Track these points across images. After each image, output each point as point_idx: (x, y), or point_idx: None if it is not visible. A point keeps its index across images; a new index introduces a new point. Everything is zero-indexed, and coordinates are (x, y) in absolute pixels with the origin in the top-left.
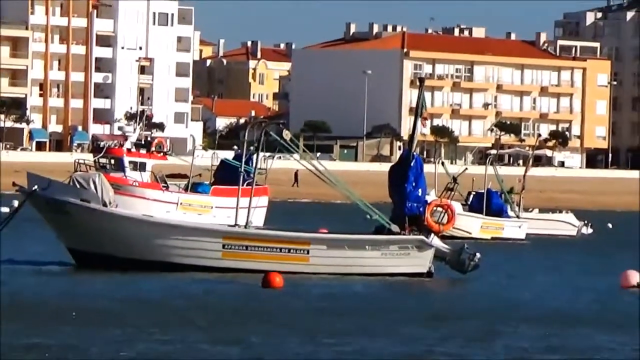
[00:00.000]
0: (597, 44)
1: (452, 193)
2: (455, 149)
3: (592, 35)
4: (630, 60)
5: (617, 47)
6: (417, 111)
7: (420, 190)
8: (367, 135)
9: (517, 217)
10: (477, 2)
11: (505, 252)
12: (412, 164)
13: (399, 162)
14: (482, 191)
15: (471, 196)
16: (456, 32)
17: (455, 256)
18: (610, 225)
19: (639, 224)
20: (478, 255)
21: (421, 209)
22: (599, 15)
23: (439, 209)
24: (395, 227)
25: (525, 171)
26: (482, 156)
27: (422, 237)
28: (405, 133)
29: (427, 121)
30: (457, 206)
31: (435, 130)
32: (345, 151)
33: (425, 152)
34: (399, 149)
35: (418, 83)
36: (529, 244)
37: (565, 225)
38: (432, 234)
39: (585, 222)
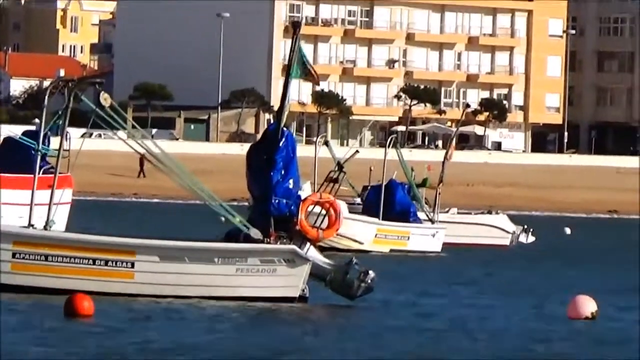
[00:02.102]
0: None
1: (337, 186)
2: (348, 123)
3: None
4: None
5: None
6: (290, 70)
7: (291, 181)
8: (222, 105)
9: (431, 221)
10: None
11: (407, 268)
12: (281, 144)
13: (261, 141)
14: (381, 184)
15: (367, 192)
16: None
17: (340, 275)
18: (568, 231)
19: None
20: (371, 274)
21: (293, 208)
22: None
23: (318, 207)
24: (255, 232)
25: (446, 156)
26: (385, 134)
27: (294, 246)
28: (276, 101)
29: (317, 79)
30: (342, 206)
31: (319, 97)
32: (193, 127)
33: (305, 129)
34: (268, 123)
35: (292, 30)
36: (447, 258)
37: (494, 230)
38: (308, 243)
39: (525, 227)
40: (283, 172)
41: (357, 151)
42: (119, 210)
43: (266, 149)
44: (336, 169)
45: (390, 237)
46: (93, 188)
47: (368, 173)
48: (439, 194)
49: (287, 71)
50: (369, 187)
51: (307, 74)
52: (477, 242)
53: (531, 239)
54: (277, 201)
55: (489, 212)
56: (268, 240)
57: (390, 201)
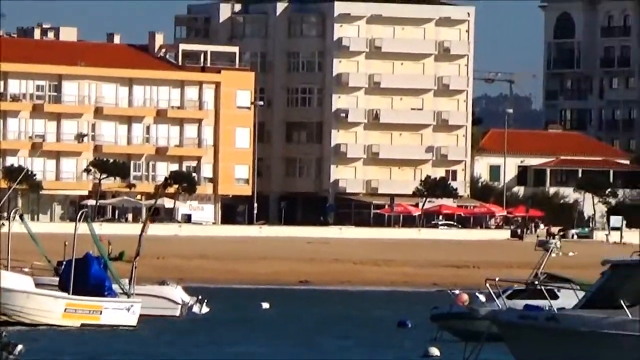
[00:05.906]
0: (235, 49)
1: None
2: (38, 198)
3: (227, 36)
4: (282, 70)
5: (263, 53)
6: None
7: None
8: None
9: (127, 294)
10: None
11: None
12: None
13: None
14: (77, 259)
15: (63, 267)
16: (36, 33)
17: None
18: (265, 305)
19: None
20: (20, 347)
21: None
22: (238, 8)
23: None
24: None
25: (143, 229)
26: (76, 209)
27: None
28: None
29: None
30: (28, 280)
31: (8, 172)
32: None
33: None
34: None
35: None
36: (141, 330)
37: (163, 301)
38: None
39: (199, 297)
40: None
41: (2, 224)
42: None
43: None
44: None
45: (81, 311)
46: None
47: (63, 248)
48: (135, 267)
49: None
50: (64, 262)
51: None
52: (147, 312)
53: (205, 309)
54: None
55: (162, 284)
56: None
57: (84, 275)
